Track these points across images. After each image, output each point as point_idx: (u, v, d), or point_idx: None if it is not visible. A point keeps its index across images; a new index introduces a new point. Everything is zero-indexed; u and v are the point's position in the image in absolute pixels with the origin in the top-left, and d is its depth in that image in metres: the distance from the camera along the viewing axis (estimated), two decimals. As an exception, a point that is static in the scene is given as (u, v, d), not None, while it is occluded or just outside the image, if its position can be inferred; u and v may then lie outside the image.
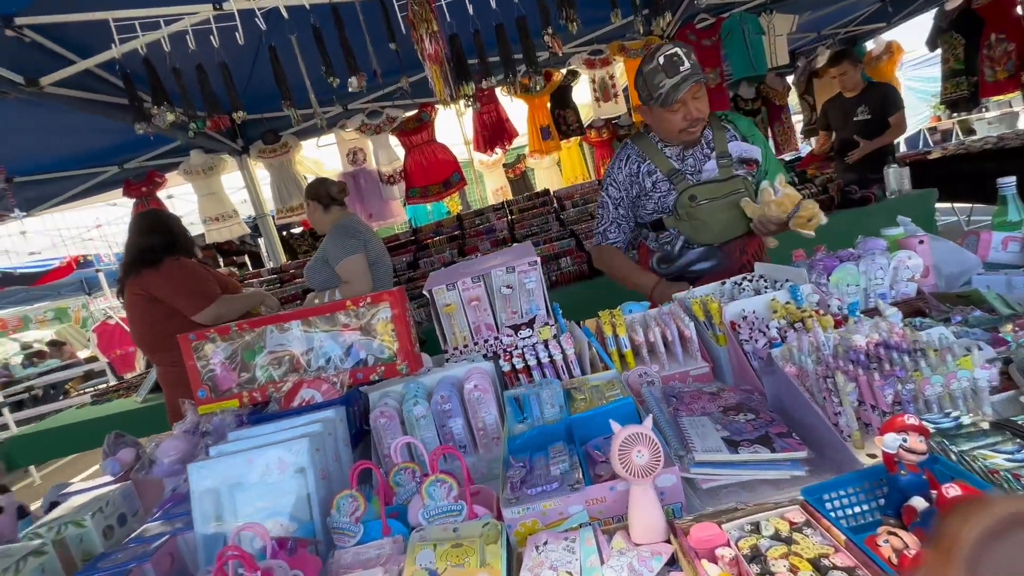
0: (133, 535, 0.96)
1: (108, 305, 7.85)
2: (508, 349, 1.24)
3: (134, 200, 4.14)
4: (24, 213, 3.97)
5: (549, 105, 4.59)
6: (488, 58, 2.70)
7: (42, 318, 13.99)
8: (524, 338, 1.26)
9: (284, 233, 6.51)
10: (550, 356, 1.19)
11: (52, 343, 11.92)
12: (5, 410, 5.44)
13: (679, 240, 1.69)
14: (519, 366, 1.22)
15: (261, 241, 7.76)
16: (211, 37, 2.24)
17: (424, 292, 1.23)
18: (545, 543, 0.73)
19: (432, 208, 7.66)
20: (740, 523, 0.67)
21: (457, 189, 4.50)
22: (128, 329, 6.11)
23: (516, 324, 1.28)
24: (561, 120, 4.75)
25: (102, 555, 0.92)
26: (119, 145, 3.81)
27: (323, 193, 2.52)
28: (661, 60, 1.52)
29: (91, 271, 7.18)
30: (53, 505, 1.13)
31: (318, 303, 2.43)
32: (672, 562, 0.67)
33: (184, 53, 2.27)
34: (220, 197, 4.16)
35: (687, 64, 1.51)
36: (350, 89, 2.34)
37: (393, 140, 4.33)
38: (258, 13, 2.20)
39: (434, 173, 4.36)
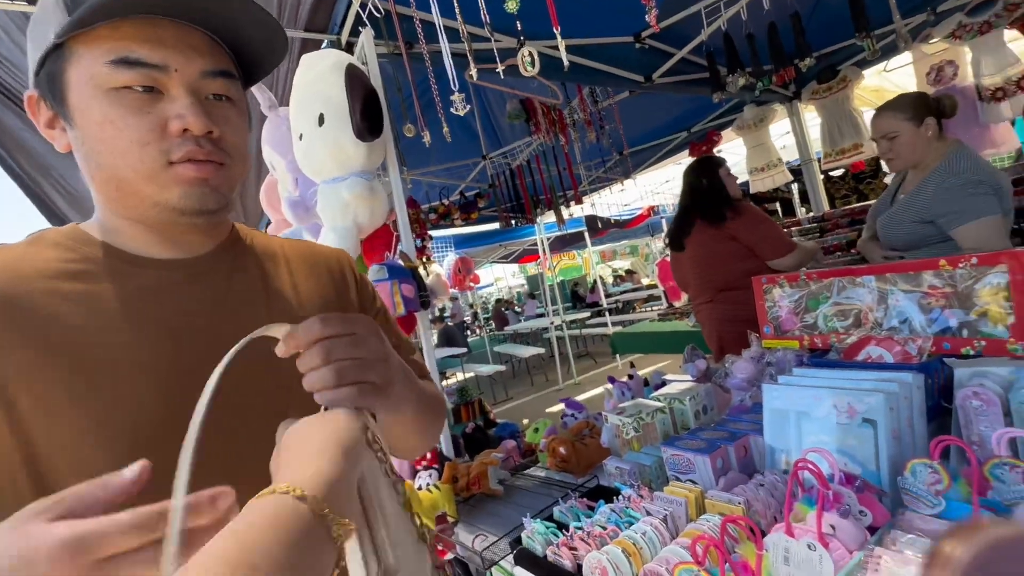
0: (713, 424, 1.28)
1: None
2: None
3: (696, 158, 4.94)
4: (628, 177, 5.51)
5: None
6: None
7: (623, 252, 19.36)
8: None
9: (822, 177, 6.08)
10: None
11: (628, 271, 16.35)
12: (607, 313, 8.07)
13: None
14: None
15: (794, 187, 7.58)
16: (786, -10, 2.30)
17: (1073, 256, 0.91)
18: None
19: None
20: None
21: None
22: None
23: None
24: None
25: (695, 429, 1.29)
26: (686, 113, 4.61)
27: (924, 108, 1.70)
28: None
29: (657, 218, 9.23)
30: (661, 384, 1.65)
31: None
32: None
33: (758, 16, 2.45)
34: (767, 147, 4.33)
35: None
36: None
37: (1009, 35, 3.11)
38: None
39: (1092, 69, 2.85)
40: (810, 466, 0.84)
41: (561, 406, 1.82)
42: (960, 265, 0.98)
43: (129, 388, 0.51)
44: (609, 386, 1.71)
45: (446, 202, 4.79)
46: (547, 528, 1.06)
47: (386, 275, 1.41)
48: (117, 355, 0.52)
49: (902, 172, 1.88)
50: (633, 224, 8.57)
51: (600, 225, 7.20)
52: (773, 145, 4.37)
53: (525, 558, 1.04)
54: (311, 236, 1.83)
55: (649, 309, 10.60)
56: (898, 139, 1.72)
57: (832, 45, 3.57)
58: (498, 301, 15.51)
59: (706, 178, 2.37)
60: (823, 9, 2.90)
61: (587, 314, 9.66)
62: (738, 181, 2.91)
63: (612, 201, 8.03)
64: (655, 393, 1.51)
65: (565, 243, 10.39)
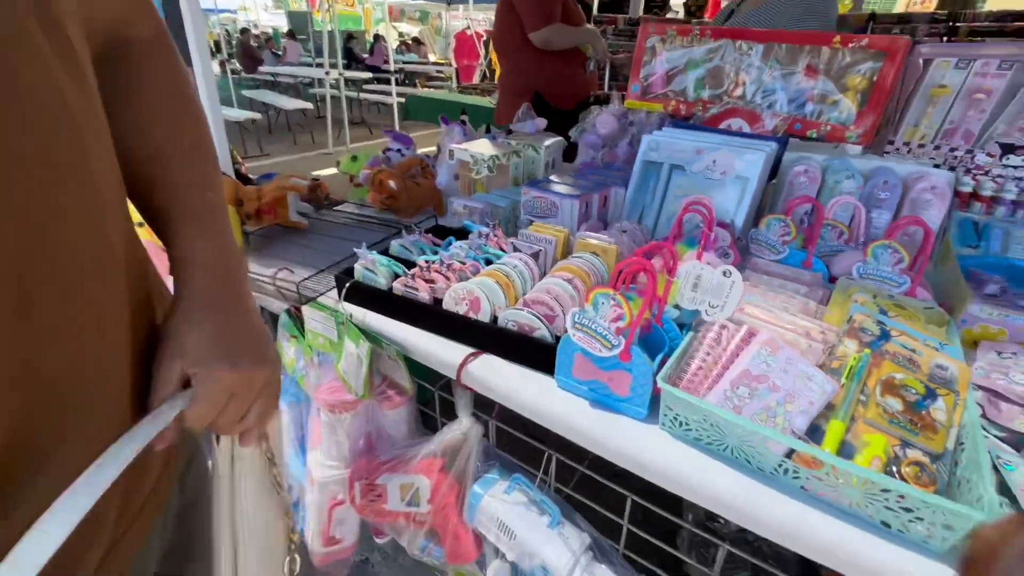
0: (571, 174, 1.19)
1: (469, 17, 8.86)
2: (977, 170, 1.01)
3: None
4: None
5: None
6: None
7: (413, 16, 16.79)
8: (1012, 165, 0.99)
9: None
10: (1048, 197, 0.93)
11: (415, 40, 14.48)
12: (393, 80, 7.08)
13: None
14: (986, 193, 1.00)
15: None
16: None
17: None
18: (1015, 354, 0.66)
19: None
20: None
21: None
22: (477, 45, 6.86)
23: (1011, 144, 1.00)
24: None
25: (544, 178, 1.18)
26: None
27: None
28: None
29: (465, -21, 7.96)
30: (497, 137, 1.46)
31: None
32: None
33: None
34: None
35: None
36: None
37: None
38: None
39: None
40: (701, 208, 0.81)
41: (333, 170, 1.41)
42: (850, 45, 1.00)
43: None
44: (443, 126, 1.43)
45: None
46: (390, 261, 0.85)
47: None
48: None
49: None
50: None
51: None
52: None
53: (360, 292, 0.83)
54: None
55: (433, 87, 9.85)
56: None
57: None
58: (244, 32, 11.92)
59: None
60: None
61: (368, 75, 8.39)
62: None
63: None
64: (504, 139, 1.32)
65: (350, -26, 8.24)
